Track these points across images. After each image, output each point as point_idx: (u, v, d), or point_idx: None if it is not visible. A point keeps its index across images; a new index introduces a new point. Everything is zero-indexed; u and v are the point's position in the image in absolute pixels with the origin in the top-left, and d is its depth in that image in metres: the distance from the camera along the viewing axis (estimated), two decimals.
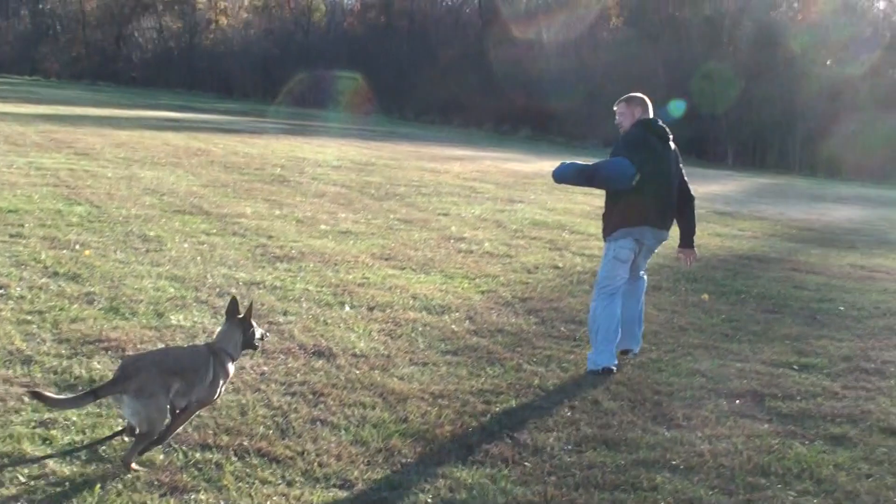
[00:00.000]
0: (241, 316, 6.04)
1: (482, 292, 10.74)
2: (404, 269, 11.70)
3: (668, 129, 8.56)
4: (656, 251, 8.90)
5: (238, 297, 6.48)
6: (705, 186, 31.20)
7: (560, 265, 12.84)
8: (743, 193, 31.39)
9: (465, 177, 25.05)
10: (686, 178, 8.80)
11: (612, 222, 8.49)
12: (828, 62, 57.57)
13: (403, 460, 5.78)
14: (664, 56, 59.90)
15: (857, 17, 62.50)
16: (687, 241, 8.77)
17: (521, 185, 23.96)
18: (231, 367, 5.92)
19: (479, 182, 23.88)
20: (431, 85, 71.61)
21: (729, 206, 24.36)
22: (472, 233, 15.04)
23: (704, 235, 17.17)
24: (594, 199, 21.30)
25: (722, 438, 6.52)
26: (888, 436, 6.84)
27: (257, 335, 6.14)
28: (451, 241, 14.16)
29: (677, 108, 46.97)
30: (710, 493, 5.64)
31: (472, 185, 23.01)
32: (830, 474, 6.02)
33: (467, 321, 9.34)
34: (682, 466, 5.99)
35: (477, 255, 13.17)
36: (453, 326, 9.08)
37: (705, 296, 11.51)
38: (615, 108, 8.76)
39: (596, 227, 16.21)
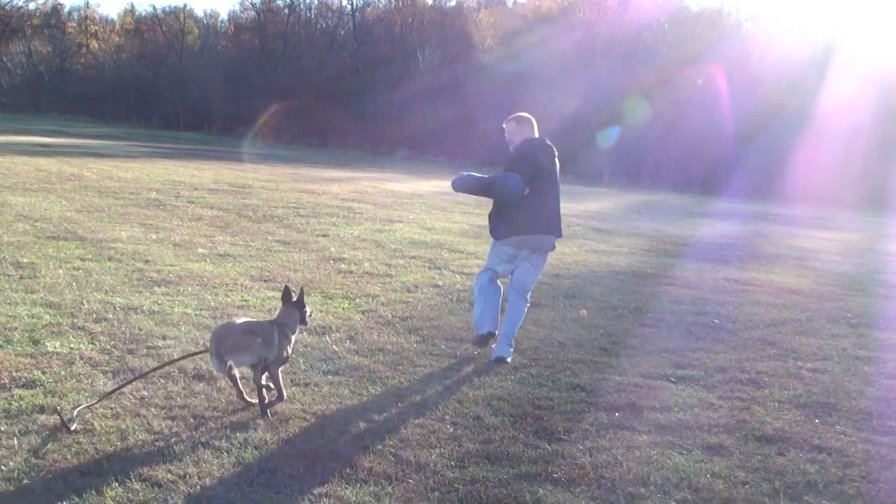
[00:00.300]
0: (295, 299, 7.53)
1: (362, 312, 10.74)
2: None
3: (553, 147, 9.46)
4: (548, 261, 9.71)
5: (288, 285, 7.92)
6: (582, 204, 31.70)
7: (440, 283, 12.89)
8: (619, 210, 31.91)
9: (344, 198, 25.03)
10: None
11: (501, 229, 9.35)
12: (699, 81, 58.73)
13: (287, 481, 5.73)
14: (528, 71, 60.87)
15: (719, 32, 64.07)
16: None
17: (400, 204, 24.02)
18: (292, 338, 7.39)
19: (358, 203, 23.89)
20: (307, 107, 71.49)
21: (605, 223, 24.72)
22: (352, 253, 15.03)
23: (582, 252, 17.42)
24: (473, 218, 21.48)
25: (602, 450, 6.60)
26: (763, 444, 6.99)
27: (308, 313, 7.64)
28: (331, 261, 14.14)
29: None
30: None
31: (351, 205, 22.99)
32: (708, 483, 6.14)
33: (348, 341, 9.32)
34: (563, 479, 6.05)
35: (357, 275, 13.16)
36: (334, 347, 9.05)
37: (584, 311, 11.65)
38: (504, 126, 9.59)
39: (475, 246, 16.39)
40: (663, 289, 14.16)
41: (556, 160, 9.48)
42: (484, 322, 9.20)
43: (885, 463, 6.76)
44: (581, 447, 6.65)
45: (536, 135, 9.52)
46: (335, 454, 6.22)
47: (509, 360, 9.01)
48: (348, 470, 5.97)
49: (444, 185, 34.33)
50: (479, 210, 24.05)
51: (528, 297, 9.60)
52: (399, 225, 19.23)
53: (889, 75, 50.73)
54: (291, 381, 7.79)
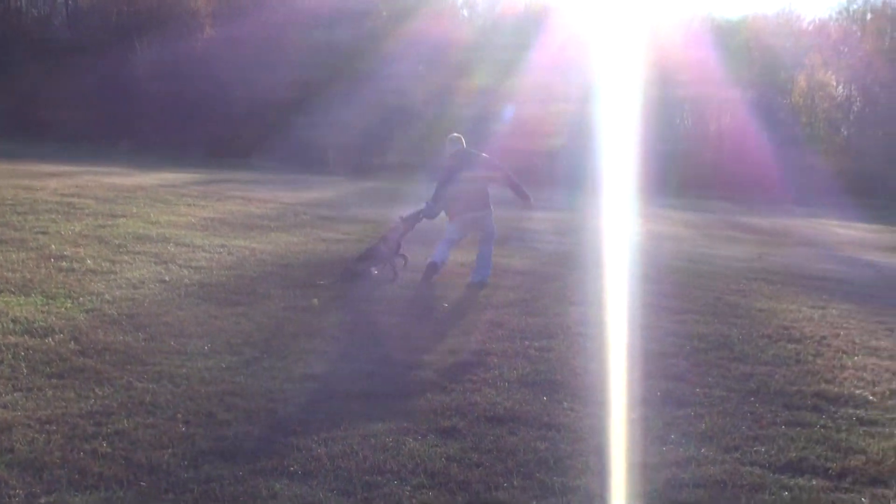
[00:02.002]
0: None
1: (86, 311, 10.35)
2: (1, 292, 11.08)
3: (472, 153, 14.18)
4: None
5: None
6: (307, 193, 31.62)
7: (167, 279, 12.57)
8: (344, 197, 31.97)
9: (64, 192, 24.04)
10: (510, 173, 14.14)
11: (451, 214, 14.11)
12: (419, 67, 59.79)
13: (11, 492, 5.47)
14: (256, 63, 60.71)
15: (445, 26, 65.48)
16: (523, 202, 14.45)
17: (123, 199, 23.26)
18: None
19: (79, 198, 23.00)
20: (19, 99, 68.48)
21: (332, 211, 24.73)
22: (74, 250, 14.47)
23: (310, 241, 17.38)
24: (198, 210, 21.07)
25: (338, 440, 6.60)
26: (494, 424, 7.16)
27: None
28: (52, 259, 13.56)
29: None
30: (329, 495, 5.70)
31: (71, 200, 22.13)
32: (443, 466, 6.23)
33: (72, 342, 8.96)
34: (300, 472, 6.03)
35: (79, 273, 12.67)
36: (58, 348, 8.68)
37: (315, 301, 11.62)
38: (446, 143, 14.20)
39: (202, 239, 16.11)
40: (392, 274, 14.28)
41: (481, 161, 14.05)
42: (437, 255, 13.69)
43: (609, 436, 7.06)
44: (316, 438, 6.63)
45: (462, 146, 14.05)
46: (63, 461, 5.98)
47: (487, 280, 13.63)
48: (77, 476, 5.76)
49: (169, 177, 33.66)
50: (204, 202, 23.65)
51: (493, 238, 14.28)
52: (122, 220, 18.63)
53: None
54: (13, 386, 7.44)
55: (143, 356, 8.60)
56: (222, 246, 15.56)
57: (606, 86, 56.56)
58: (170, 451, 6.27)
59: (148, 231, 16.89)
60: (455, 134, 14.39)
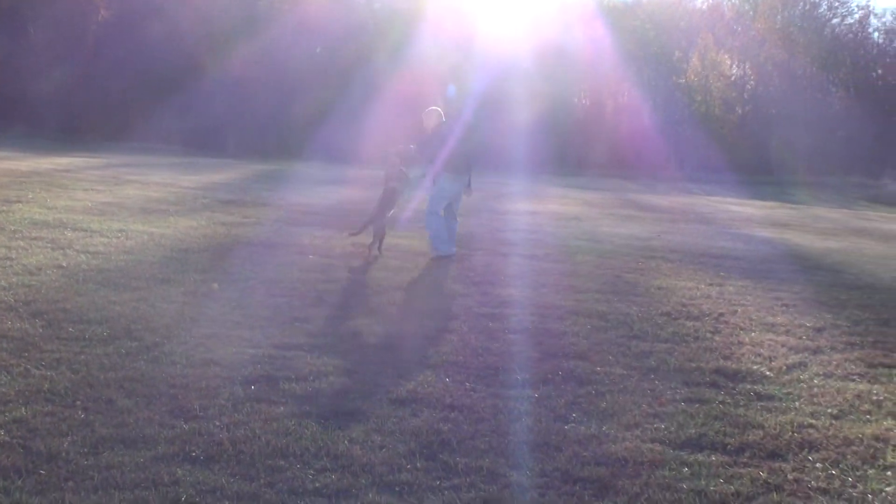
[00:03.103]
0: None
1: None
2: None
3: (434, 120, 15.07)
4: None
5: None
6: (207, 176, 31.34)
7: (64, 265, 12.35)
8: (245, 181, 31.76)
9: None
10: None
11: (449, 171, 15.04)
12: (317, 49, 59.62)
13: None
14: (152, 46, 60.25)
15: (342, 6, 65.41)
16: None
17: (18, 183, 22.79)
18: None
19: None
20: None
21: (232, 195, 24.55)
22: None
23: (210, 225, 17.23)
24: (96, 195, 20.77)
25: (240, 425, 6.56)
26: (397, 406, 7.17)
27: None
28: None
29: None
30: (232, 480, 5.66)
31: None
32: (346, 449, 6.23)
33: None
34: (202, 457, 5.98)
35: None
36: None
37: (215, 285, 11.52)
38: (423, 116, 15.29)
39: (99, 223, 15.85)
40: (293, 258, 14.23)
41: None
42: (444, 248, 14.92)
43: (512, 416, 7.12)
44: (218, 423, 6.59)
45: (443, 119, 15.12)
46: None
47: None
48: None
49: (65, 161, 33.07)
50: (102, 187, 23.31)
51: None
52: (18, 205, 18.25)
53: None
54: None
55: (41, 343, 8.45)
56: (121, 231, 15.36)
57: (500, 67, 57.23)
58: (69, 438, 6.17)
59: (44, 216, 16.59)
60: (435, 107, 15.44)
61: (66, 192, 21.15)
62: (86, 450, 6.00)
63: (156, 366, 7.95)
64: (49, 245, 13.68)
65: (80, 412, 6.68)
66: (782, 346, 9.87)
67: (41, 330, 8.91)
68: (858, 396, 8.08)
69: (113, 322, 9.26)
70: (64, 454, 5.91)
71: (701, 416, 7.29)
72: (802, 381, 8.49)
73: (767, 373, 8.76)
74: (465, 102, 51.78)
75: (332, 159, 50.37)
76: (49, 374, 7.52)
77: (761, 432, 6.97)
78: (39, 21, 65.50)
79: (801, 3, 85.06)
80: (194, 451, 6.05)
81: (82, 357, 8.07)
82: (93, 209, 18.30)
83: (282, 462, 5.97)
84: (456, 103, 55.45)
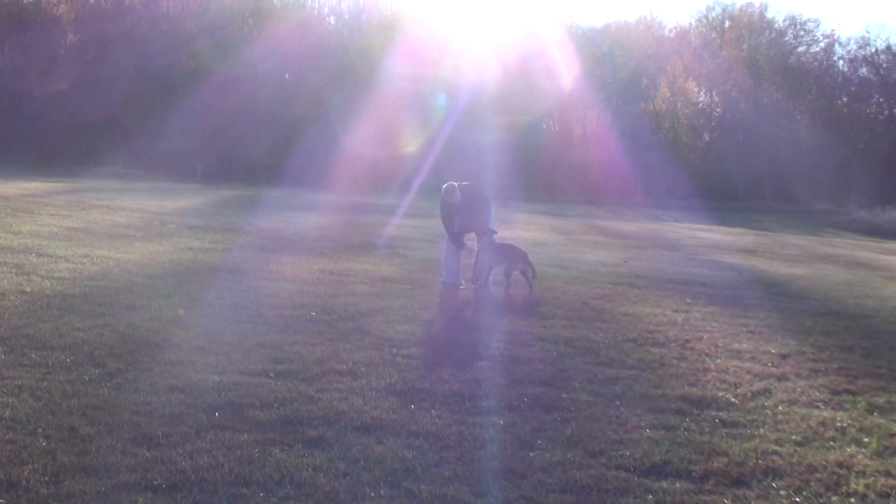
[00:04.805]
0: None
1: None
2: None
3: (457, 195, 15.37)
4: None
5: None
6: (174, 201, 31.23)
7: (28, 290, 12.25)
8: (213, 206, 31.69)
9: None
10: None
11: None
12: (286, 75, 59.80)
13: None
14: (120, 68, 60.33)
15: (311, 33, 65.62)
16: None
17: None
18: None
19: None
20: None
21: (199, 220, 24.48)
22: None
23: (177, 250, 17.15)
24: (62, 221, 20.66)
25: (203, 453, 6.52)
26: (362, 434, 7.15)
27: None
28: None
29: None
30: None
31: None
32: (310, 477, 6.20)
33: None
34: (164, 486, 5.93)
35: None
36: None
37: (181, 311, 11.46)
38: (445, 195, 15.46)
39: (65, 249, 15.76)
40: (260, 283, 14.18)
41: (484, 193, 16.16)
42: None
43: (477, 443, 7.10)
44: (181, 451, 6.54)
45: (459, 195, 15.38)
46: None
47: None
48: None
49: (32, 186, 32.88)
50: (67, 212, 23.19)
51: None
52: None
53: None
54: None
55: (3, 369, 8.37)
56: (86, 256, 15.27)
57: (468, 92, 57.56)
58: (30, 466, 6.11)
59: (9, 241, 16.48)
60: (452, 183, 15.71)
61: (32, 217, 21.03)
62: (47, 478, 5.95)
63: (119, 393, 7.90)
64: (13, 270, 13.57)
65: (41, 440, 6.62)
66: (747, 372, 9.90)
67: (3, 356, 8.84)
68: (823, 423, 8.11)
69: (76, 348, 9.19)
70: (24, 482, 5.86)
71: (666, 443, 7.30)
72: (767, 408, 8.52)
73: (732, 399, 8.78)
74: (444, 121, 52.14)
75: (302, 185, 50.35)
76: (10, 402, 7.46)
77: (726, 459, 6.98)
78: (7, 46, 65.25)
79: (767, 32, 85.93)
80: (156, 480, 6.00)
81: (45, 384, 8.01)
82: (58, 234, 18.20)
83: (245, 490, 5.94)
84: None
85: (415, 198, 41.46)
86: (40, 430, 6.85)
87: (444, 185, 15.65)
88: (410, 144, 55.30)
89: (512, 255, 15.09)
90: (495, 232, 15.37)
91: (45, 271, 13.70)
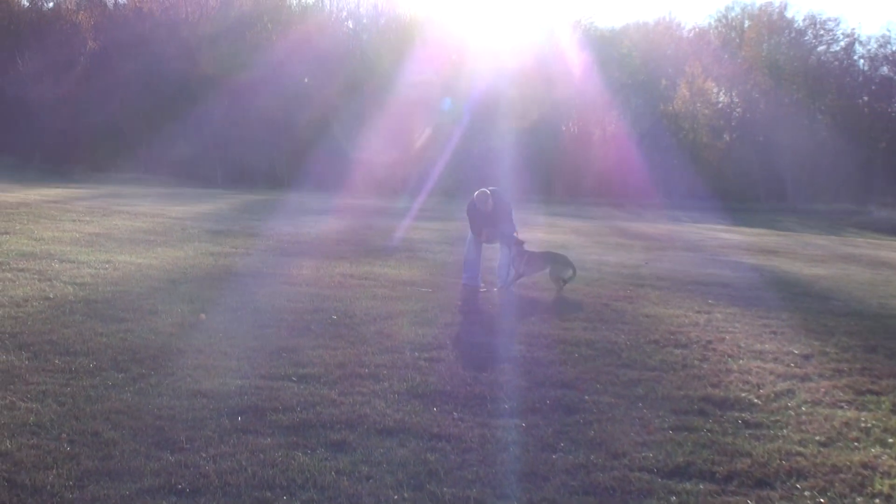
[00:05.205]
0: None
1: None
2: None
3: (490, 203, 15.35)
4: None
5: None
6: (195, 206, 31.31)
7: (51, 296, 12.31)
8: (233, 211, 31.78)
9: None
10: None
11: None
12: (305, 80, 59.79)
13: None
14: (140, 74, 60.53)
15: (329, 37, 65.69)
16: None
17: (6, 215, 22.77)
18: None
19: None
20: None
21: (220, 225, 24.54)
22: None
23: (198, 255, 17.19)
24: (84, 227, 20.73)
25: (226, 457, 6.53)
26: (384, 437, 7.15)
27: None
28: None
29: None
30: None
31: None
32: (333, 480, 6.20)
33: None
34: (188, 490, 5.95)
35: None
36: None
37: (202, 315, 11.49)
38: (477, 202, 15.35)
39: (87, 255, 15.81)
40: (281, 287, 14.20)
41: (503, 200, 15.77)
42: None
43: (499, 445, 7.09)
44: (205, 455, 6.56)
45: (492, 202, 15.29)
46: None
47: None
48: None
49: (54, 193, 33.00)
50: (89, 218, 23.28)
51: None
52: (5, 237, 18.21)
53: None
54: None
55: (27, 375, 8.42)
56: (108, 262, 15.32)
57: (487, 95, 57.50)
58: (54, 471, 6.14)
59: (32, 248, 16.55)
60: (484, 190, 15.61)
61: (53, 223, 21.12)
62: (71, 483, 5.97)
63: (142, 397, 7.92)
64: (36, 276, 13.64)
65: (65, 445, 6.65)
66: (770, 373, 9.86)
67: (27, 362, 8.88)
68: (846, 424, 8.07)
69: (99, 353, 9.23)
70: (49, 487, 5.88)
71: (689, 444, 7.27)
72: (790, 409, 8.48)
73: (755, 400, 8.74)
74: (456, 124, 52.12)
75: (322, 188, 50.42)
76: (35, 407, 7.49)
77: (749, 460, 6.96)
78: (27, 53, 65.55)
79: (787, 31, 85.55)
80: (180, 484, 6.02)
81: (68, 389, 8.04)
82: (80, 240, 18.27)
83: (268, 494, 5.94)
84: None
85: (433, 201, 41.50)
86: (64, 434, 6.87)
87: (476, 193, 15.52)
88: (428, 148, 55.38)
89: (555, 259, 15.33)
90: (523, 242, 15.34)
91: (68, 277, 13.76)
